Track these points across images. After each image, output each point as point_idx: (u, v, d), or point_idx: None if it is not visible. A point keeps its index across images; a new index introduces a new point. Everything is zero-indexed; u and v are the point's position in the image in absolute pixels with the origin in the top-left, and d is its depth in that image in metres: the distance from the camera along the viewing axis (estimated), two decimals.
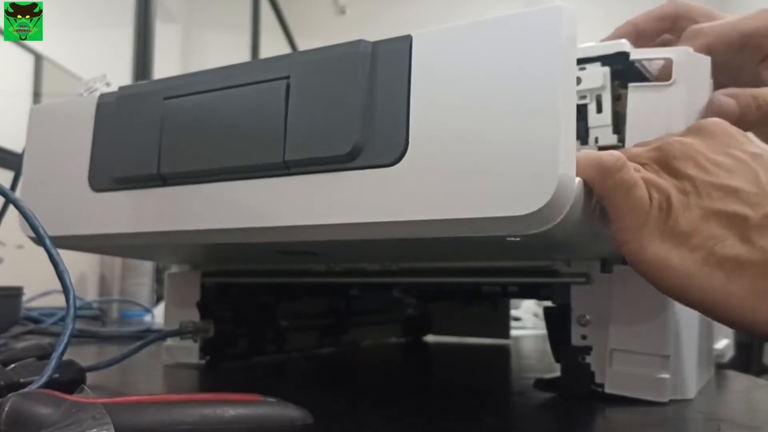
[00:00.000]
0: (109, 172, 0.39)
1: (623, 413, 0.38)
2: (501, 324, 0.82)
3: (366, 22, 4.11)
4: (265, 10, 2.63)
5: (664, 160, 0.32)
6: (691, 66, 0.40)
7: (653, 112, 0.39)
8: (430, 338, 0.85)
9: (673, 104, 0.39)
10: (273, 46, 2.61)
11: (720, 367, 0.52)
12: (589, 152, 0.31)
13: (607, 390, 0.40)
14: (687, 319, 0.40)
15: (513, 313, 0.92)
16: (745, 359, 1.88)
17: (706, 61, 0.41)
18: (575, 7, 0.29)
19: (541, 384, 0.44)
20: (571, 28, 0.29)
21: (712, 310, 0.30)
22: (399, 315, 0.82)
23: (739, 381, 0.50)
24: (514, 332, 0.87)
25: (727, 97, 0.40)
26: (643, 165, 0.32)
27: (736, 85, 0.42)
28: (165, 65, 1.53)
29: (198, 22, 4.34)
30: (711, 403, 0.40)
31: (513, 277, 0.46)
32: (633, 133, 0.39)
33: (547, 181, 0.27)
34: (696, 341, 0.41)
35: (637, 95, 0.39)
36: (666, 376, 0.38)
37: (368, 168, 0.31)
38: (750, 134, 0.35)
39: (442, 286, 0.63)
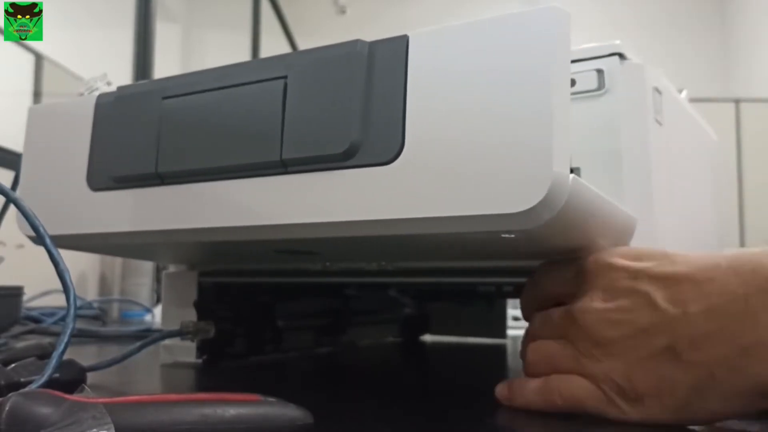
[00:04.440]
0: (108, 172, 0.39)
1: None
2: (498, 324, 0.82)
3: (366, 22, 4.11)
4: (265, 10, 2.63)
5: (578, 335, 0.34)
6: (622, 74, 0.40)
7: (586, 122, 0.39)
8: (428, 338, 0.85)
9: (606, 113, 0.39)
10: (273, 46, 2.61)
11: None
12: None
13: None
14: None
15: (513, 313, 0.92)
16: None
17: (639, 67, 0.41)
18: (575, 7, 0.29)
19: None
20: (565, 28, 0.29)
21: None
22: (396, 315, 0.82)
23: None
24: (514, 332, 0.87)
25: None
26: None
27: None
28: (165, 65, 1.53)
29: (198, 22, 4.34)
30: None
31: (508, 277, 0.46)
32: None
33: (541, 179, 0.27)
34: None
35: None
36: None
37: (365, 167, 0.31)
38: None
39: (438, 285, 0.63)
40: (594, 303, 0.33)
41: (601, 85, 0.40)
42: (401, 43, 0.31)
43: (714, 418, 0.32)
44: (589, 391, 0.33)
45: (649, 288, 0.32)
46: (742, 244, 3.21)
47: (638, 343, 0.32)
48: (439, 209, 0.29)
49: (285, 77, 0.34)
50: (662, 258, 0.33)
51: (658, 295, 0.31)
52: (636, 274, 0.32)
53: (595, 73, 0.40)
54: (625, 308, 0.32)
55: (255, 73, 0.35)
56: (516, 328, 0.92)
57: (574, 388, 0.34)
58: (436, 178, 0.29)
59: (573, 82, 0.40)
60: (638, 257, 0.33)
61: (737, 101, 3.40)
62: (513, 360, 0.70)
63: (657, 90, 0.43)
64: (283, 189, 0.33)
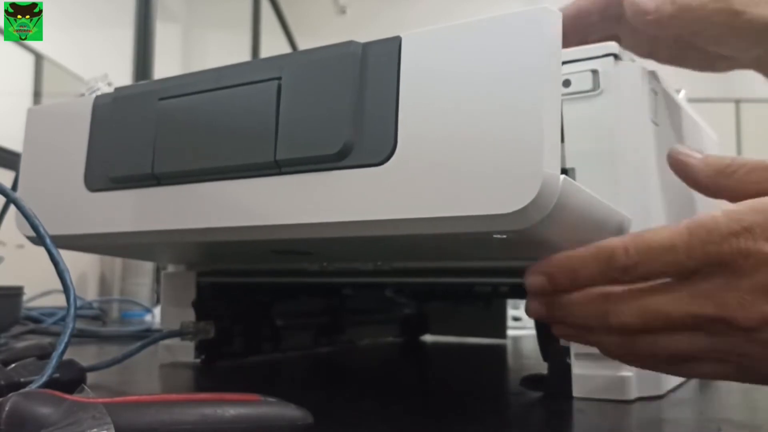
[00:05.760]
0: (105, 172, 0.40)
1: (623, 412, 0.38)
2: (498, 324, 0.82)
3: (366, 22, 4.11)
4: (265, 10, 2.64)
5: None
6: (618, 74, 0.40)
7: (582, 122, 0.39)
8: (428, 338, 0.85)
9: (601, 113, 0.39)
10: (273, 46, 2.61)
11: None
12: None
13: (575, 395, 0.40)
14: None
15: (513, 313, 0.92)
16: None
17: (635, 68, 0.41)
18: None
19: (527, 382, 0.44)
20: (556, 29, 0.29)
21: None
22: (396, 314, 0.82)
23: None
24: (514, 332, 0.87)
25: None
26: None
27: None
28: (165, 65, 1.53)
29: (198, 22, 4.34)
30: (711, 403, 0.40)
31: (503, 278, 0.46)
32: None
33: (531, 180, 0.27)
34: None
35: (565, 105, 0.39)
36: (629, 374, 0.38)
37: (357, 167, 0.31)
38: None
39: (434, 286, 0.63)
40: None
41: (596, 85, 0.40)
42: (394, 44, 0.32)
43: None
44: None
45: None
46: None
47: None
48: (430, 210, 0.29)
49: (279, 78, 0.34)
50: None
51: None
52: None
53: (590, 74, 0.40)
54: None
55: (249, 74, 0.35)
56: (516, 328, 0.92)
57: None
58: (427, 179, 0.29)
59: (568, 83, 0.40)
60: None
61: (737, 101, 3.40)
62: (513, 360, 0.70)
63: (653, 90, 0.43)
64: (277, 189, 0.33)
